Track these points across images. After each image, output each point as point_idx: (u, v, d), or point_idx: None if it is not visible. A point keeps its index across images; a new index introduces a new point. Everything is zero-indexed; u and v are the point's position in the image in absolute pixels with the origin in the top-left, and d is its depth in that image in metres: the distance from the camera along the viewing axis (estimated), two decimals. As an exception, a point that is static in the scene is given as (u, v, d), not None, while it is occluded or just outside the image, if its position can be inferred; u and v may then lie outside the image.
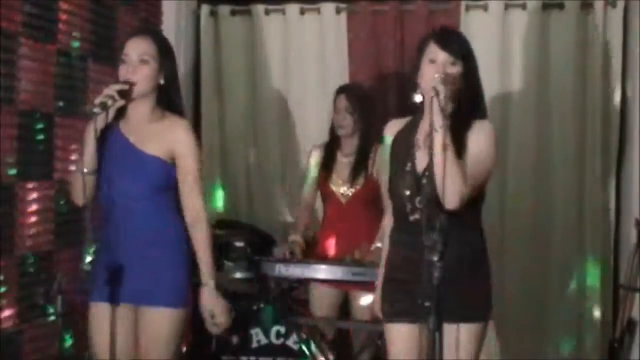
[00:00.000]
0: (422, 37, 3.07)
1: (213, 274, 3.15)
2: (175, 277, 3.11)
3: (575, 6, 4.78)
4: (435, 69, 2.90)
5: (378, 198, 3.95)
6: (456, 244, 2.75)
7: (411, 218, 2.94)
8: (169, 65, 3.17)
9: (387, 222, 3.16)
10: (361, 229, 4.05)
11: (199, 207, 3.16)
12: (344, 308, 4.22)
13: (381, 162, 3.83)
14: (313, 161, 4.25)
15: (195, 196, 3.16)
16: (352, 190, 4.11)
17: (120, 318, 3.07)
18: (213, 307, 3.14)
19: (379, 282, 3.14)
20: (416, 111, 3.03)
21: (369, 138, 4.11)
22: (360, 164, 4.10)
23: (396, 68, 4.91)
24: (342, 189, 4.13)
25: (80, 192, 3.03)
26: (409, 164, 2.96)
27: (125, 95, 3.02)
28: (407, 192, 2.94)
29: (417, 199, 2.92)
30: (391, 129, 3.10)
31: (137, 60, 3.06)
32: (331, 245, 4.14)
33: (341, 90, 4.23)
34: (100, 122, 2.99)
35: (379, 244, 3.91)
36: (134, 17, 4.50)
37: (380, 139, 3.20)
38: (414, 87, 2.99)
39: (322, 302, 4.17)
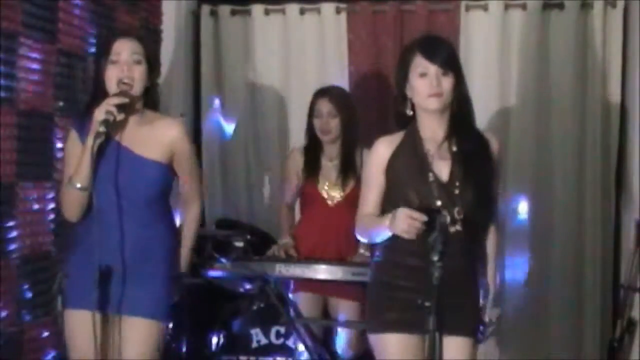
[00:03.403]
0: (406, 46, 3.05)
1: (188, 259, 3.20)
2: (162, 290, 3.08)
3: (575, 6, 4.78)
4: (427, 82, 2.87)
5: None
6: (461, 255, 2.79)
7: (452, 230, 2.83)
8: (157, 67, 3.18)
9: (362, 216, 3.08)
10: (346, 232, 4.03)
11: (193, 203, 3.19)
12: (325, 315, 4.18)
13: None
14: (293, 164, 4.20)
15: (191, 195, 3.18)
16: (342, 193, 4.07)
17: (102, 326, 3.00)
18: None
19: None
20: (407, 124, 2.99)
21: (353, 141, 4.08)
22: (348, 168, 4.05)
23: (396, 68, 4.91)
24: (331, 192, 4.10)
25: (72, 207, 3.00)
26: (431, 175, 2.89)
27: (125, 108, 2.95)
28: (439, 203, 2.86)
29: (456, 210, 2.85)
30: (385, 147, 3.00)
31: (131, 60, 2.99)
32: (317, 248, 4.10)
33: (322, 93, 4.13)
34: (98, 138, 2.91)
35: (367, 253, 3.89)
36: (134, 17, 4.49)
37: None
38: (403, 99, 2.96)
39: (303, 308, 4.11)
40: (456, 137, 2.93)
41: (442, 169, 2.91)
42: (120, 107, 2.93)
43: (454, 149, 2.92)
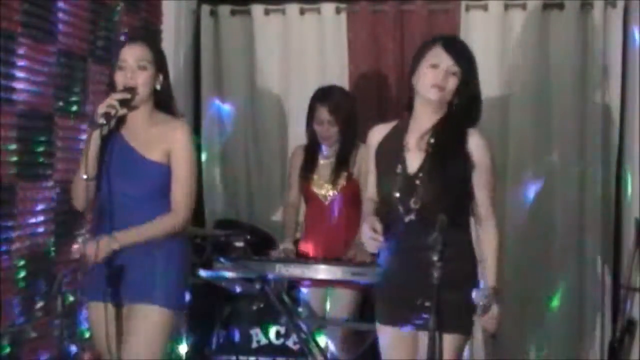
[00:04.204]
0: (425, 40, 3.10)
1: (127, 241, 3.05)
2: (171, 279, 3.13)
3: (575, 6, 4.78)
4: (435, 74, 2.92)
5: (360, 198, 4.02)
6: (422, 246, 2.73)
7: (406, 219, 2.95)
8: (165, 70, 3.20)
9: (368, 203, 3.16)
10: (342, 229, 4.07)
11: (182, 205, 3.14)
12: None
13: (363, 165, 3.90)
14: (295, 163, 4.25)
15: (181, 195, 3.15)
16: (334, 191, 4.12)
17: (116, 318, 3.10)
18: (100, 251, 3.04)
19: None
20: (403, 115, 3.08)
21: (351, 140, 4.11)
22: (341, 165, 4.12)
23: (396, 68, 4.91)
24: (323, 189, 4.15)
25: (79, 197, 3.11)
26: (399, 166, 2.98)
27: (127, 103, 3.06)
28: (398, 194, 2.95)
29: (412, 200, 2.93)
30: (376, 134, 3.12)
31: (135, 66, 3.10)
32: (314, 246, 4.14)
33: (321, 99, 4.15)
34: (103, 131, 3.05)
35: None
36: (134, 17, 4.50)
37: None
38: (410, 89, 3.03)
39: (307, 303, 4.15)
40: (436, 130, 2.98)
41: (415, 161, 2.97)
42: (123, 102, 3.04)
43: (431, 141, 2.97)
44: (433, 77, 2.93)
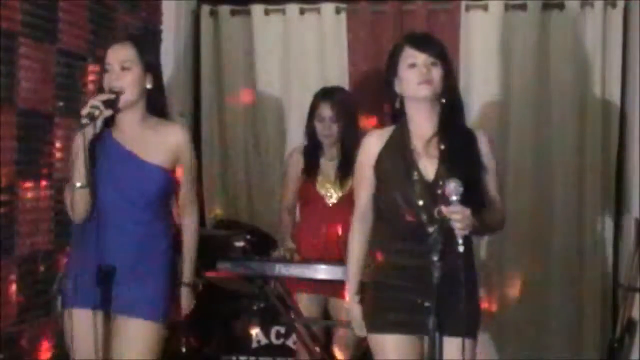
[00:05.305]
0: (394, 44, 3.04)
1: (192, 276, 3.25)
2: (158, 290, 3.09)
3: (575, 6, 4.78)
4: (417, 71, 2.87)
5: None
6: (452, 255, 2.67)
7: (430, 229, 2.80)
8: (154, 69, 3.13)
9: (359, 227, 3.06)
10: (345, 231, 4.02)
11: (190, 209, 3.24)
12: (326, 314, 4.17)
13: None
14: (293, 165, 4.19)
15: (191, 197, 3.23)
16: (342, 192, 4.08)
17: (104, 325, 3.03)
18: (188, 307, 3.26)
19: (350, 291, 3.04)
20: (397, 120, 2.99)
21: (353, 142, 4.07)
22: (347, 167, 4.02)
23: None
24: (330, 191, 4.11)
25: (76, 208, 2.98)
26: (415, 173, 2.88)
27: (112, 104, 2.99)
28: (422, 202, 2.84)
29: (437, 210, 2.77)
30: (375, 142, 2.99)
31: (119, 68, 3.03)
32: (316, 247, 4.09)
33: (324, 97, 4.12)
34: (88, 134, 2.93)
35: None
36: (134, 17, 4.50)
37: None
38: (393, 96, 2.96)
39: (304, 309, 4.09)
40: (443, 134, 2.91)
41: (429, 167, 2.89)
42: (107, 103, 2.97)
43: (442, 146, 2.90)
44: (417, 76, 2.87)
